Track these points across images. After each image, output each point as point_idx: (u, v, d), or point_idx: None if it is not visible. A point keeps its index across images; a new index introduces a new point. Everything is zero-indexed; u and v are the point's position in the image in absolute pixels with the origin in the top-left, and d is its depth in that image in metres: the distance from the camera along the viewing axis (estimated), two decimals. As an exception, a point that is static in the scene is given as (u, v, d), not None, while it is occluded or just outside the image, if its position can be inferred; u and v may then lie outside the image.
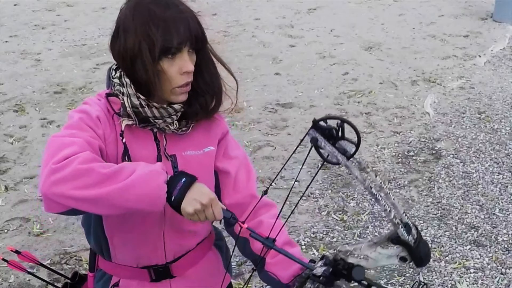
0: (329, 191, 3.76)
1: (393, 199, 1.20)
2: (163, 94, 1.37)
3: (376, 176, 1.20)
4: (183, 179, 1.23)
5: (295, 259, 1.35)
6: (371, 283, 1.26)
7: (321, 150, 1.21)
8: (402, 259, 1.23)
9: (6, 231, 3.35)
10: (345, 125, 1.19)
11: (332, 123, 1.20)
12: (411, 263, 1.22)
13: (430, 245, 3.21)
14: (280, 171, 1.53)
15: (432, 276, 3.00)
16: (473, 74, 5.70)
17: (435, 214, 3.50)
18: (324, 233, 3.34)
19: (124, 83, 1.36)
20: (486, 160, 4.11)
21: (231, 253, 1.61)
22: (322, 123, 1.20)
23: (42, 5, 8.03)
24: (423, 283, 1.30)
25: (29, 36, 6.85)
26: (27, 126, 4.63)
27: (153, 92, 1.35)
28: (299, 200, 1.50)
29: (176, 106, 1.38)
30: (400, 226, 1.19)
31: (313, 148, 1.22)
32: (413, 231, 1.21)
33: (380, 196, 1.19)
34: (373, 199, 1.21)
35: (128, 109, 1.35)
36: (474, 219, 3.46)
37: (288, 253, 1.35)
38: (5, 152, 4.21)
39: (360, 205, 3.60)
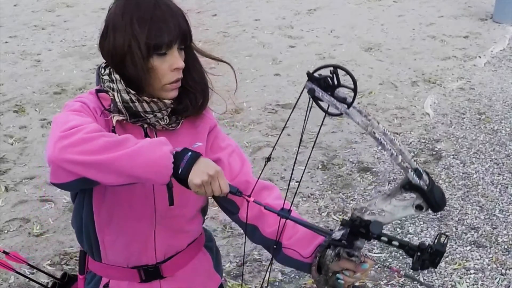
0: (329, 192, 3.76)
1: (399, 145, 1.16)
2: (154, 91, 1.38)
3: (378, 124, 1.17)
4: (189, 153, 1.24)
5: (313, 226, 1.34)
6: (391, 238, 1.23)
7: (320, 103, 1.18)
8: (418, 208, 1.19)
9: (6, 231, 3.34)
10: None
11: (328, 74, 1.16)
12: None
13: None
14: (275, 144, 1.52)
15: (432, 277, 3.01)
16: (473, 75, 5.70)
17: (435, 215, 3.49)
18: (324, 234, 3.34)
19: (114, 79, 1.37)
20: (486, 161, 4.11)
21: (242, 251, 1.60)
22: (316, 74, 1.17)
23: (42, 6, 8.03)
24: (445, 235, 1.23)
25: (28, 36, 6.84)
26: (27, 127, 4.63)
27: (144, 87, 1.37)
28: (294, 197, 1.48)
29: (167, 101, 1.40)
30: (410, 170, 1.16)
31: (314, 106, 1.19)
32: (424, 176, 1.17)
33: (385, 141, 1.15)
34: (378, 145, 1.17)
35: (118, 104, 1.37)
36: (474, 220, 3.46)
37: (307, 222, 1.34)
38: (5, 153, 4.20)
39: (360, 206, 3.60)
